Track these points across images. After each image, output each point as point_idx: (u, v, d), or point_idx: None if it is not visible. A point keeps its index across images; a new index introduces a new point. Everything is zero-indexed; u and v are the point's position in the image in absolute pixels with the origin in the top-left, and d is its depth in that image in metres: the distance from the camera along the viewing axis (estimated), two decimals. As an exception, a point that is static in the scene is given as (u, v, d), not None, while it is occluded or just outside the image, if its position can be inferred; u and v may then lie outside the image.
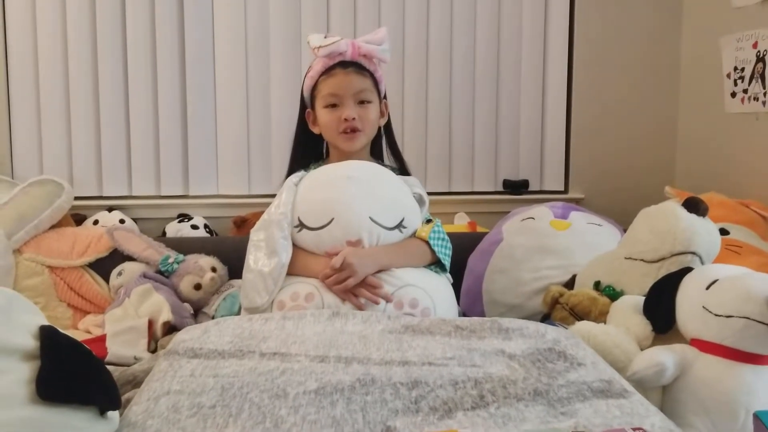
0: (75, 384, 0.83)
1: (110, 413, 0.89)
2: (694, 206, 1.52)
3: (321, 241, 1.51)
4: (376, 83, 1.75)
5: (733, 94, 2.33)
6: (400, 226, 1.55)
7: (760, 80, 2.20)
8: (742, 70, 2.28)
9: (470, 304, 1.96)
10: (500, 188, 2.79)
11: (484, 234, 2.15)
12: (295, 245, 1.52)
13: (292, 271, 1.50)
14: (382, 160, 1.84)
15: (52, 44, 2.55)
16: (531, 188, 2.79)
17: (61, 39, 2.55)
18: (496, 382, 1.06)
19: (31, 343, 0.83)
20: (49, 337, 0.84)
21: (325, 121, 1.72)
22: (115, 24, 2.57)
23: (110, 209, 2.53)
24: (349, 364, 1.11)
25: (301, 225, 1.53)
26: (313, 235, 1.52)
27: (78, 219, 2.45)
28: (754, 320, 1.15)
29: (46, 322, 0.88)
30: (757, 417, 0.88)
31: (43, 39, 2.55)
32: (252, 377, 1.06)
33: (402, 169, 1.82)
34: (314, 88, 1.75)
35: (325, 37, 1.70)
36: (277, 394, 1.01)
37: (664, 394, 1.25)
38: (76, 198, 2.30)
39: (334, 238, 1.50)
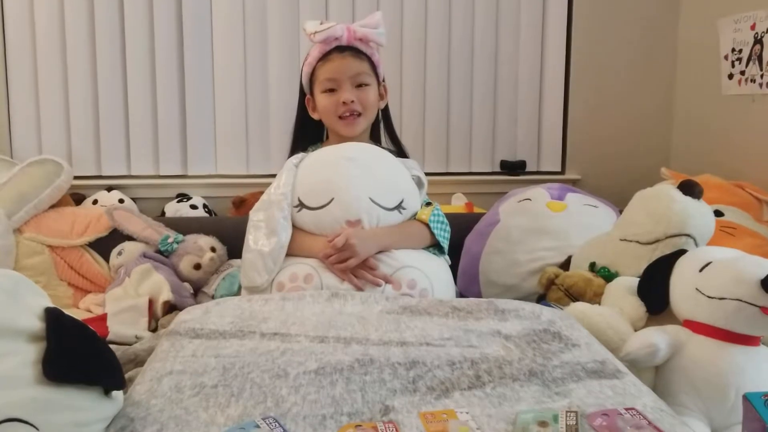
0: (80, 365, 0.85)
1: (115, 393, 0.92)
2: (689, 189, 1.54)
3: (321, 220, 1.52)
4: (373, 67, 1.74)
5: (731, 76, 2.34)
6: (399, 207, 1.56)
7: (757, 62, 2.20)
8: (740, 51, 2.28)
9: (467, 284, 1.98)
10: (497, 169, 2.80)
11: (481, 215, 2.16)
12: (294, 226, 1.53)
13: (291, 251, 1.51)
14: (381, 144, 1.85)
15: (49, 24, 2.54)
16: (528, 169, 2.80)
17: (59, 18, 2.54)
18: (492, 363, 1.08)
19: (37, 324, 0.85)
20: (54, 318, 0.86)
21: (323, 106, 1.72)
22: (113, 4, 2.56)
23: (109, 189, 2.54)
24: (348, 345, 1.13)
25: (301, 205, 1.54)
26: (313, 215, 1.53)
27: (77, 199, 2.46)
28: (746, 302, 1.18)
29: (51, 304, 0.90)
30: (746, 399, 0.90)
31: (40, 18, 2.54)
32: (253, 357, 1.08)
33: (400, 153, 1.82)
34: (312, 75, 1.75)
35: (321, 24, 1.70)
36: (278, 374, 1.03)
37: (657, 374, 1.27)
38: (75, 177, 2.30)
39: (334, 217, 1.51)
